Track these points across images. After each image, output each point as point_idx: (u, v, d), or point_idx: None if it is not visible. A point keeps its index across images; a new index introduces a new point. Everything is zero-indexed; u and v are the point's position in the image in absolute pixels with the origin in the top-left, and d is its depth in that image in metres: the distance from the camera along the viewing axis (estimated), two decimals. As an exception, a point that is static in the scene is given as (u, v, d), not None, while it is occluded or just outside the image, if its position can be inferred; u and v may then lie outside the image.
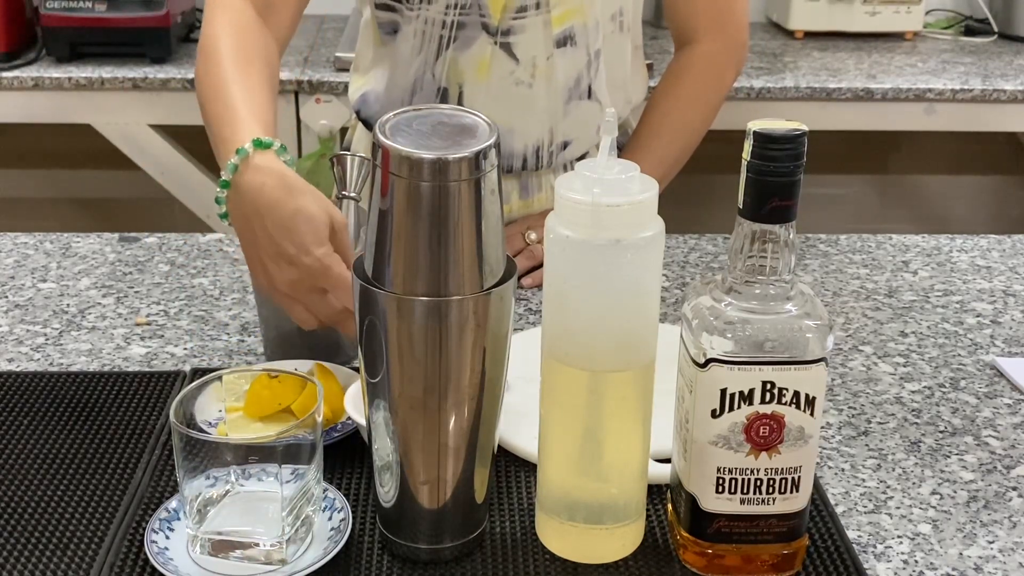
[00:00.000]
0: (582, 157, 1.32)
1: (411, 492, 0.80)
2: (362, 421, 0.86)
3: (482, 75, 1.25)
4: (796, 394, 0.76)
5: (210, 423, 0.90)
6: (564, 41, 1.25)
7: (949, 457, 0.97)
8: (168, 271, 1.28)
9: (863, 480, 0.93)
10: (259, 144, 0.97)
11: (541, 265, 1.24)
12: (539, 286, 1.24)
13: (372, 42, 1.32)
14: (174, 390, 1.03)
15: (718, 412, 0.77)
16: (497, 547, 0.84)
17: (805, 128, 0.73)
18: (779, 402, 0.76)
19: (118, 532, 0.84)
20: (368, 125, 1.37)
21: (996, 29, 2.73)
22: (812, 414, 0.77)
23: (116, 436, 0.96)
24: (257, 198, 0.95)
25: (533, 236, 1.29)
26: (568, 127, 1.30)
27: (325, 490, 0.85)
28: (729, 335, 0.75)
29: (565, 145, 1.31)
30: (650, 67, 2.23)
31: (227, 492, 0.81)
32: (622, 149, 1.36)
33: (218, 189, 0.99)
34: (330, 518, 0.83)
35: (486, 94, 1.25)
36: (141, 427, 0.97)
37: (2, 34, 2.25)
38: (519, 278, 1.26)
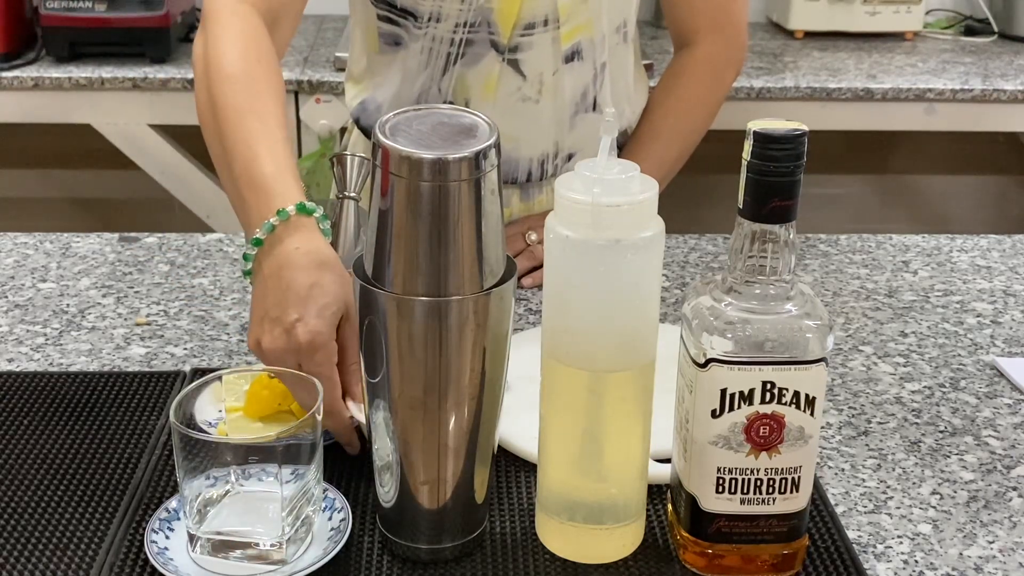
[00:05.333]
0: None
1: (411, 492, 0.80)
2: (362, 419, 0.86)
3: (489, 91, 1.24)
4: (796, 394, 0.76)
5: (210, 423, 0.90)
6: (572, 56, 1.24)
7: (949, 457, 0.97)
8: (168, 271, 1.28)
9: (863, 480, 0.93)
10: (303, 209, 0.92)
11: (541, 265, 1.23)
12: (539, 286, 1.24)
13: (367, 48, 1.30)
14: (174, 390, 1.03)
15: (718, 412, 0.76)
16: (497, 547, 0.84)
17: (805, 128, 0.73)
18: (779, 402, 0.76)
19: (118, 532, 0.84)
20: (367, 134, 1.36)
21: (996, 29, 2.72)
22: (812, 414, 0.77)
23: (116, 436, 0.96)
24: (285, 260, 0.90)
25: (534, 237, 1.29)
26: (573, 140, 1.29)
27: (325, 490, 0.85)
28: (729, 335, 0.75)
29: (570, 157, 1.31)
30: (650, 67, 2.23)
31: (227, 492, 0.81)
32: (622, 150, 1.36)
33: (248, 246, 0.93)
34: (330, 518, 0.83)
35: (492, 109, 1.24)
36: (141, 427, 0.97)
37: (2, 34, 2.25)
38: (519, 278, 1.26)
